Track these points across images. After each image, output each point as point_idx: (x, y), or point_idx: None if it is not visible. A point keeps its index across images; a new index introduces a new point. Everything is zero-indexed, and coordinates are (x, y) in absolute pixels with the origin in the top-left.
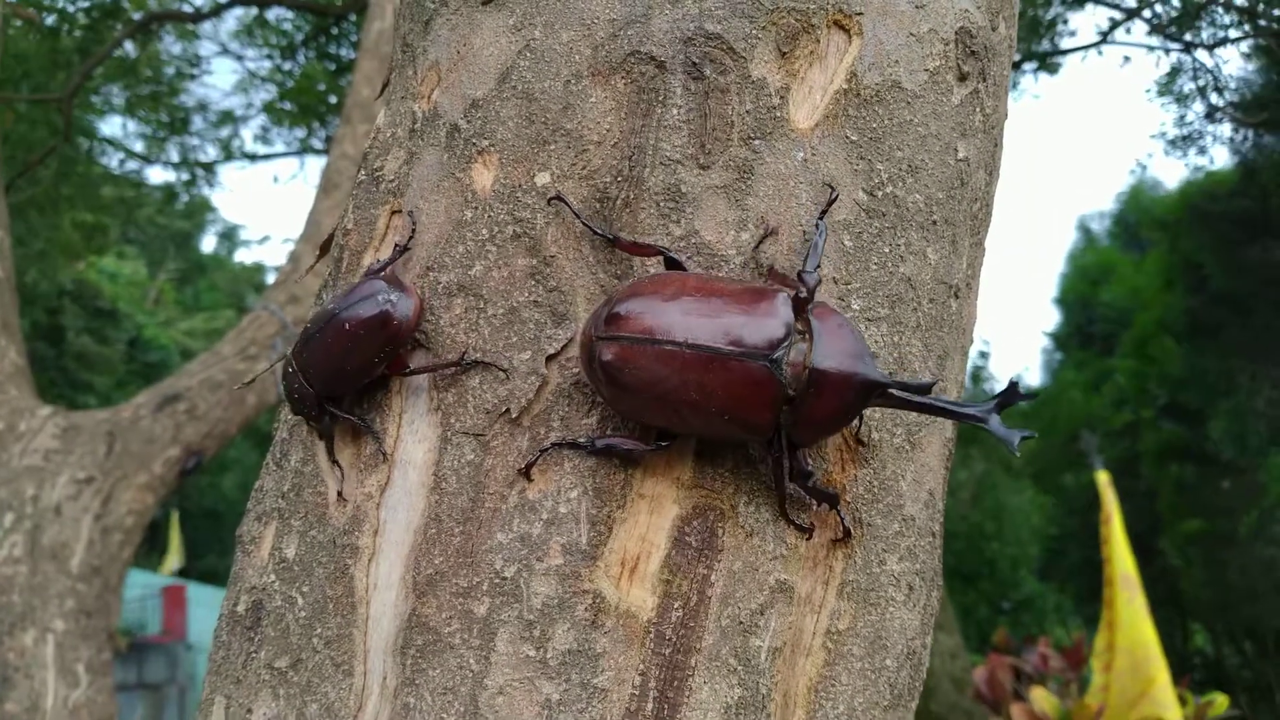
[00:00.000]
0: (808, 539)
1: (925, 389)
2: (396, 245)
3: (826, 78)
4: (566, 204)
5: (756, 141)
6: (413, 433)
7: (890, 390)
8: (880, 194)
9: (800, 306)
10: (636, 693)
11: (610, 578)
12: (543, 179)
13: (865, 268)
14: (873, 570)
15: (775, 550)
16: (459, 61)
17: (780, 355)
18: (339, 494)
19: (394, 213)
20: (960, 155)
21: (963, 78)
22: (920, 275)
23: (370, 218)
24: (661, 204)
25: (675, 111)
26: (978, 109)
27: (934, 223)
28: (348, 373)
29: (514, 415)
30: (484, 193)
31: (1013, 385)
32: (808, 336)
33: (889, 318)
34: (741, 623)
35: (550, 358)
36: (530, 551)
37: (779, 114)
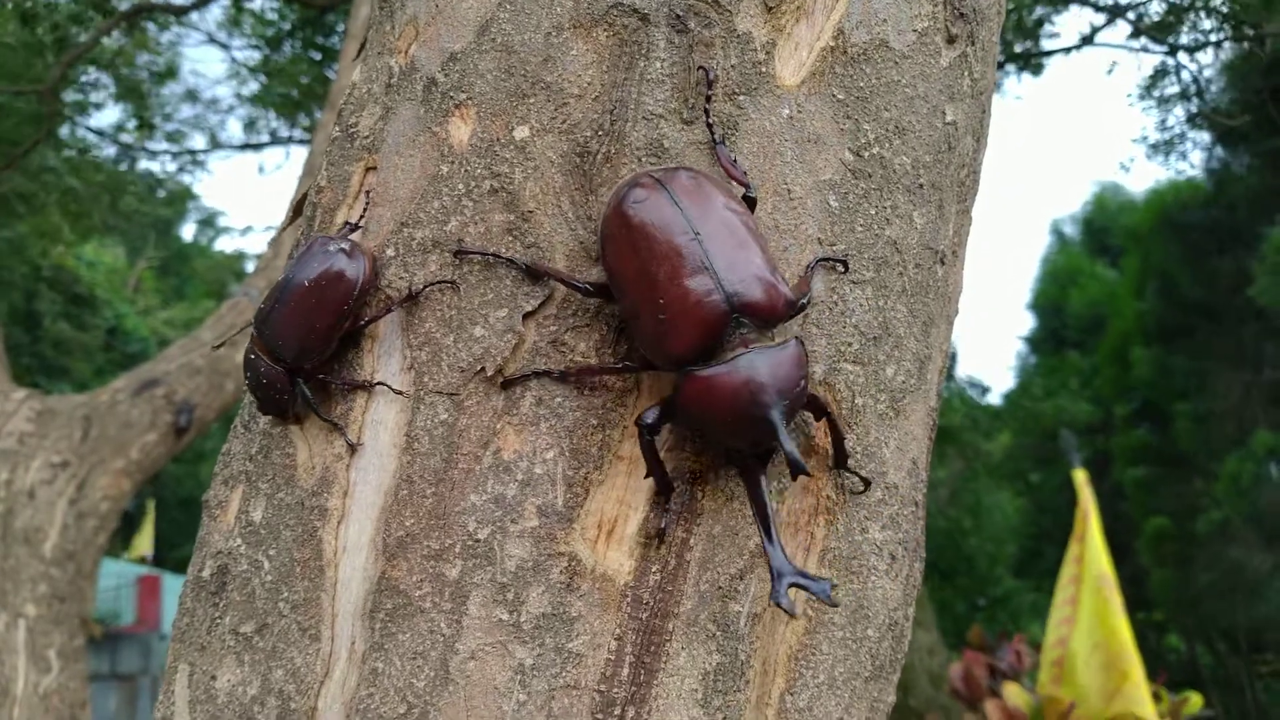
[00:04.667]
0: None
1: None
2: (348, 224)
3: (814, 34)
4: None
5: (741, 97)
6: (384, 393)
7: None
8: (867, 154)
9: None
10: (612, 658)
11: (587, 540)
12: (521, 133)
13: (851, 229)
14: (854, 538)
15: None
16: (437, 15)
17: (742, 333)
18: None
19: (368, 169)
20: (948, 119)
21: (951, 40)
22: (906, 239)
23: (344, 174)
24: (643, 159)
25: (658, 65)
26: (966, 73)
27: (921, 186)
28: (315, 333)
29: (489, 374)
30: (461, 147)
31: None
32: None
33: (874, 281)
34: (720, 588)
35: (527, 315)
36: (504, 513)
37: (764, 69)
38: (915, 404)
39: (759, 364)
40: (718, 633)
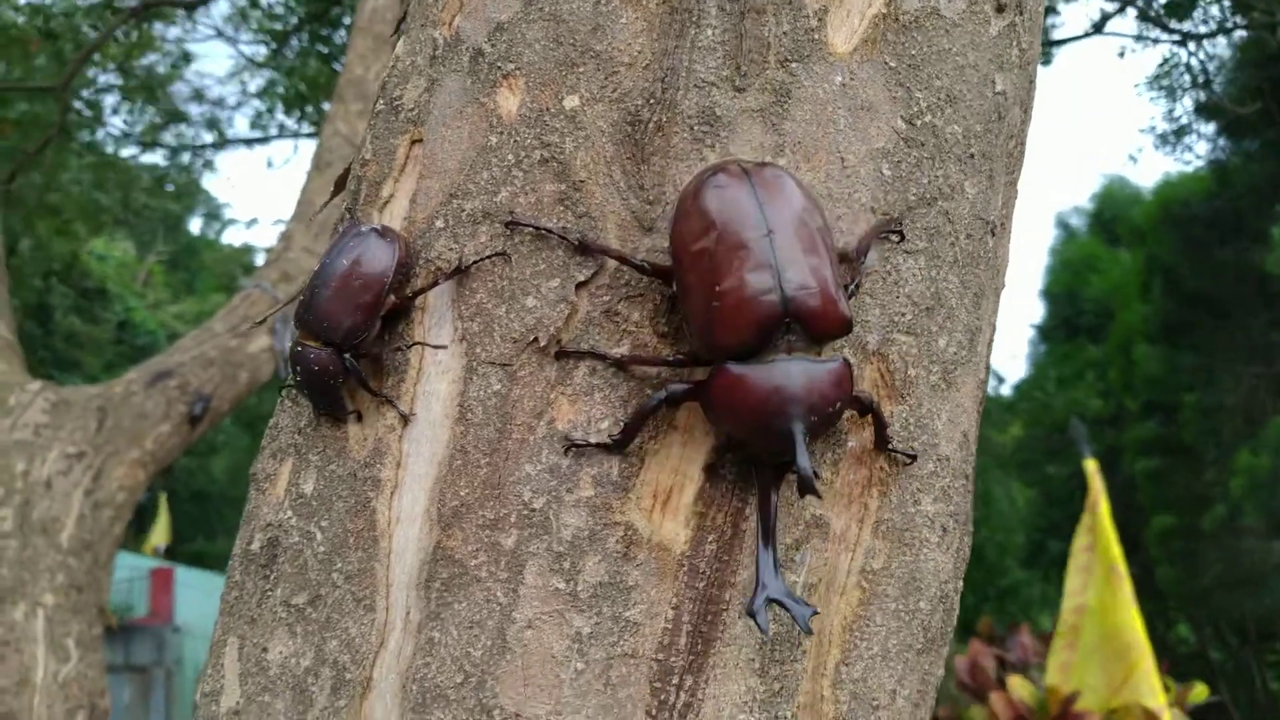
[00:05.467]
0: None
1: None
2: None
3: (865, 1)
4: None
5: (794, 64)
6: (436, 364)
7: None
8: (919, 123)
9: None
10: (670, 626)
11: (642, 510)
12: (571, 102)
13: (904, 198)
14: (907, 510)
15: None
16: None
17: (790, 339)
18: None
19: (414, 142)
20: (998, 88)
21: (1000, 9)
22: (958, 209)
23: (389, 148)
24: (695, 128)
25: (710, 32)
26: (1014, 42)
27: (972, 156)
28: (360, 310)
29: (542, 344)
30: (510, 117)
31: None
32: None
33: (926, 251)
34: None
35: (580, 285)
36: (560, 483)
37: (817, 36)
38: (966, 376)
39: (796, 374)
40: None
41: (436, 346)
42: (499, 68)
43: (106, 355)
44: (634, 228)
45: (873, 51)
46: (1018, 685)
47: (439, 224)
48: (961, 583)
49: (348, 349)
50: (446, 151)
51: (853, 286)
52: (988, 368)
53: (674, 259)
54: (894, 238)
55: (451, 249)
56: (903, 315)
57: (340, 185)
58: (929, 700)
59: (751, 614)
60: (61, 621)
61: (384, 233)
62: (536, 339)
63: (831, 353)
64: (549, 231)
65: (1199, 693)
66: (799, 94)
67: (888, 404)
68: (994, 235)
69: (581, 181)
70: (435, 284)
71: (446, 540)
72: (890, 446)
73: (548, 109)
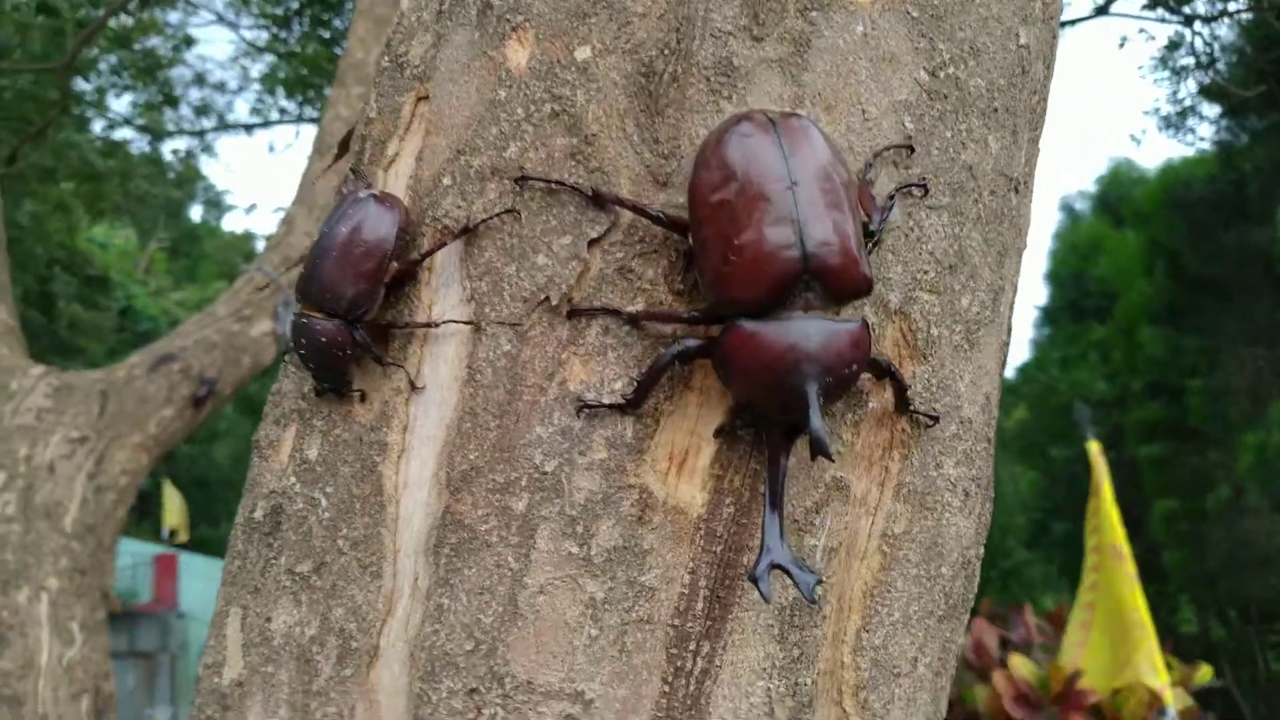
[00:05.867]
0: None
1: None
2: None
3: None
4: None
5: (814, 13)
6: (443, 325)
7: None
8: (942, 75)
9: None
10: (686, 591)
11: (657, 473)
12: (583, 54)
13: (927, 152)
14: (929, 473)
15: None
16: None
17: (808, 296)
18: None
19: (420, 99)
20: (1021, 41)
21: None
22: (982, 164)
23: (394, 105)
24: (712, 79)
25: None
26: None
27: (995, 110)
28: (364, 278)
29: (554, 303)
30: (519, 70)
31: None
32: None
33: (950, 207)
34: (796, 521)
35: (593, 242)
36: (572, 445)
37: None
38: (989, 337)
39: (812, 333)
40: (794, 567)
41: (459, 324)
42: (508, 20)
43: (109, 342)
44: (648, 183)
45: (894, 1)
46: (1020, 664)
47: (446, 181)
48: (983, 549)
49: (353, 319)
50: (454, 107)
51: (871, 245)
52: (1009, 330)
53: (691, 211)
54: (917, 192)
55: (459, 207)
56: (925, 273)
57: (344, 148)
58: (949, 669)
59: (754, 578)
60: (65, 605)
61: (383, 198)
62: (548, 298)
63: (851, 313)
64: (561, 184)
65: (1204, 674)
66: (819, 44)
67: (909, 364)
68: (1017, 193)
69: (593, 135)
70: (442, 245)
71: (456, 505)
72: (912, 409)
73: (558, 61)
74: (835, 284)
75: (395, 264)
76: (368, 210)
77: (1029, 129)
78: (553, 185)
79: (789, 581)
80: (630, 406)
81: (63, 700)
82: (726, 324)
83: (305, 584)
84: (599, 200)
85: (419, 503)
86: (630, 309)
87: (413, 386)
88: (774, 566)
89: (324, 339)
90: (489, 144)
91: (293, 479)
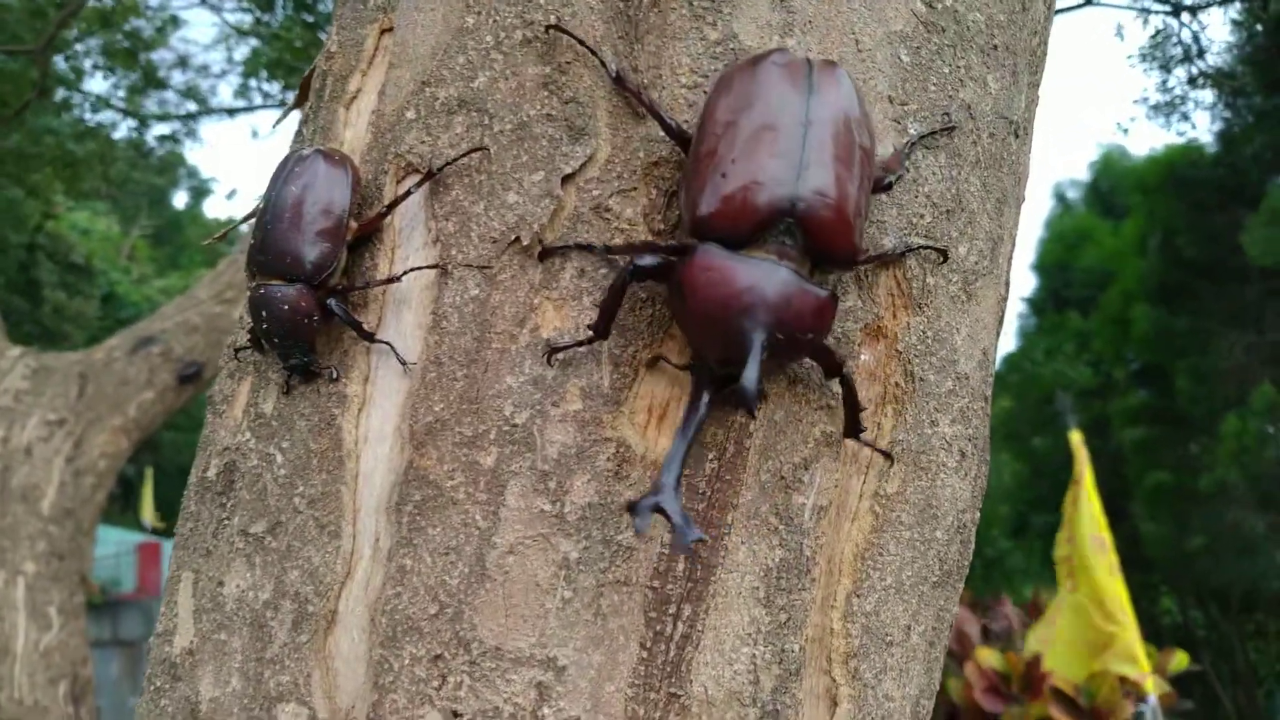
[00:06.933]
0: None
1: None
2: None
3: None
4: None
5: None
6: (406, 269)
7: None
8: (940, 6)
9: None
10: (666, 551)
11: (635, 425)
12: None
13: (923, 87)
14: (924, 431)
15: (820, 399)
16: None
17: (785, 243)
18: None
19: (384, 30)
20: None
21: None
22: (980, 105)
23: (357, 38)
24: (695, 3)
25: None
26: None
27: (995, 47)
28: (324, 236)
29: (525, 244)
30: None
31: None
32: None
33: (947, 148)
34: (783, 478)
35: (567, 178)
36: (544, 396)
37: None
38: (987, 289)
39: (774, 281)
40: (780, 526)
41: (402, 277)
42: None
43: (92, 329)
44: (626, 115)
45: None
46: (986, 655)
47: (410, 115)
48: (979, 514)
49: (318, 283)
50: (419, 37)
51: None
52: (1008, 283)
53: (699, 125)
54: (912, 130)
55: (424, 142)
56: (921, 217)
57: (305, 89)
58: (944, 638)
59: (631, 509)
60: (43, 589)
61: (329, 154)
62: (518, 238)
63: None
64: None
65: (1179, 661)
66: None
67: (904, 314)
68: (1017, 137)
69: (568, 64)
70: (407, 195)
71: (420, 460)
72: (860, 437)
73: None
74: (818, 239)
75: (354, 223)
76: (316, 168)
77: (1029, 72)
78: (523, 118)
79: (775, 542)
80: (597, 336)
81: (40, 685)
82: (692, 246)
83: (259, 545)
84: (575, 133)
85: (381, 458)
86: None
87: (371, 338)
88: (657, 509)
89: (287, 306)
90: (456, 74)
91: (247, 434)
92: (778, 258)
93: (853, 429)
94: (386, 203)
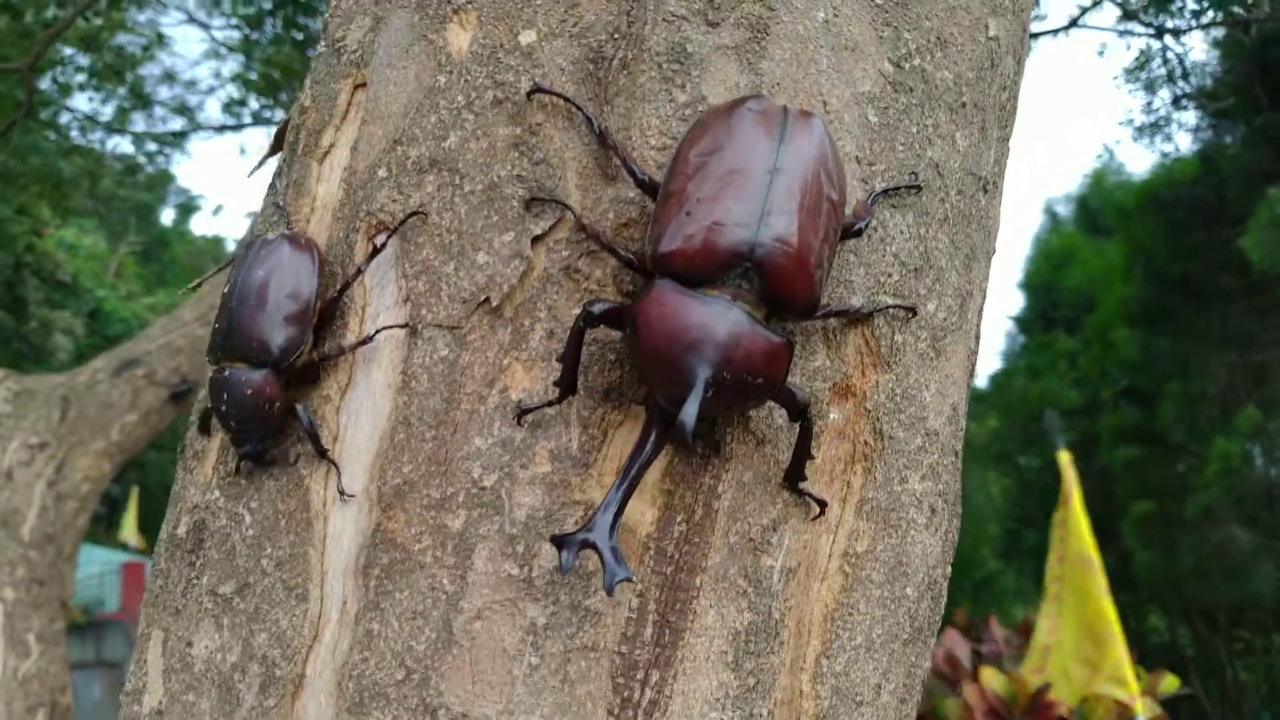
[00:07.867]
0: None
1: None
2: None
3: None
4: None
5: None
6: (377, 328)
7: None
8: (907, 66)
9: None
10: (634, 616)
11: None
12: (528, 37)
13: (891, 147)
14: (893, 489)
15: (789, 461)
16: None
17: (742, 286)
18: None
19: (357, 86)
20: (991, 33)
21: None
22: (949, 162)
23: (330, 93)
24: (664, 66)
25: None
26: None
27: (963, 105)
28: (292, 320)
29: (494, 304)
30: (460, 55)
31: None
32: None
33: (915, 206)
34: (752, 539)
35: (536, 239)
36: (513, 458)
37: None
38: (956, 344)
39: (725, 321)
40: (749, 589)
41: (372, 338)
42: (449, 2)
43: (79, 346)
44: (596, 176)
45: None
46: (990, 677)
47: (381, 173)
48: (950, 568)
49: (284, 367)
50: (391, 94)
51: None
52: (978, 338)
53: (670, 165)
54: (908, 193)
55: (395, 200)
56: (889, 276)
57: (279, 142)
58: (915, 695)
59: (557, 542)
60: (22, 616)
61: (294, 238)
62: (488, 299)
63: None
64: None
65: (1169, 683)
66: (777, 30)
67: (872, 373)
68: (986, 193)
69: (538, 125)
70: (376, 254)
71: (388, 522)
72: (800, 488)
73: (502, 45)
74: (775, 285)
75: (318, 303)
76: (282, 253)
77: (998, 126)
78: (494, 179)
79: (744, 605)
80: (563, 391)
81: (17, 714)
82: (648, 284)
83: (228, 606)
84: (545, 194)
85: (348, 520)
86: (575, 311)
87: (342, 391)
88: (586, 545)
89: (250, 390)
90: (427, 133)
91: (216, 492)
92: (731, 299)
93: (793, 475)
94: (358, 262)
